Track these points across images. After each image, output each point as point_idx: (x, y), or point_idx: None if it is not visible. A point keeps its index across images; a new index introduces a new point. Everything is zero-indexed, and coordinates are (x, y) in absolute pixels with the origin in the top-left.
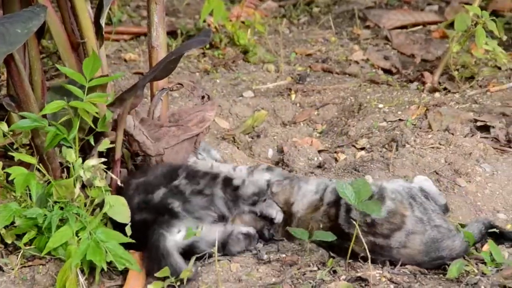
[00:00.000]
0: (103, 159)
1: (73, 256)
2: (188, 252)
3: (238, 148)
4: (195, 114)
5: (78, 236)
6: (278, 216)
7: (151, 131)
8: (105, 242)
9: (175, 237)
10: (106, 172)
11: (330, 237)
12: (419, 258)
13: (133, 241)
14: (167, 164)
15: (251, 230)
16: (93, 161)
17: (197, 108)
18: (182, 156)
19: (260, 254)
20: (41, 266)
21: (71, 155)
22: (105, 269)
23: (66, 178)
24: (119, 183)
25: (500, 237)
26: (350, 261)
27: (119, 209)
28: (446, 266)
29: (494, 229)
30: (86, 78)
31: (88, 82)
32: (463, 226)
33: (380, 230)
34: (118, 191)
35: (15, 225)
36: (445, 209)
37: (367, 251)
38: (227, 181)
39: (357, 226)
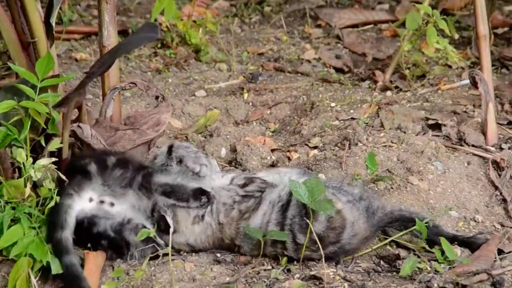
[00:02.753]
0: (53, 159)
1: (15, 248)
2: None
3: None
4: (150, 117)
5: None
6: (203, 170)
7: (106, 134)
8: None
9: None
10: (56, 172)
11: (284, 236)
12: (368, 234)
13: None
14: None
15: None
16: (44, 161)
17: (152, 111)
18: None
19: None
20: None
21: (22, 155)
22: (45, 264)
23: (17, 178)
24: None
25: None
26: (303, 260)
27: None
28: (397, 264)
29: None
30: (38, 78)
31: (40, 82)
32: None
33: (328, 240)
34: None
35: None
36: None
37: (323, 258)
38: None
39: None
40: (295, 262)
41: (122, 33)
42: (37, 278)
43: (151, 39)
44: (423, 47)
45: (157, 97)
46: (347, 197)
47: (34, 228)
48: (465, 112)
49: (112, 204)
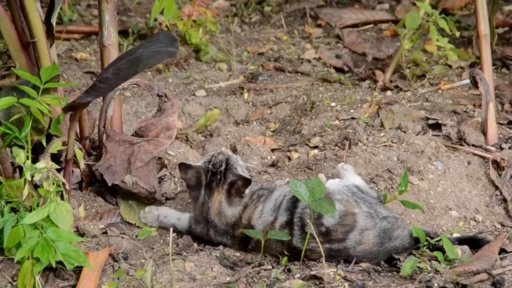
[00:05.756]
0: (51, 162)
1: (19, 251)
2: None
3: (191, 147)
4: (159, 123)
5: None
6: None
7: (120, 149)
8: (55, 241)
9: None
10: (59, 172)
11: (285, 236)
12: (374, 251)
13: (83, 239)
14: None
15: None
16: (41, 164)
17: (160, 117)
18: (152, 166)
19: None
20: None
21: (21, 157)
22: (54, 266)
23: (18, 177)
24: (67, 187)
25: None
26: (304, 259)
27: (62, 215)
28: (399, 262)
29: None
30: (41, 81)
31: (43, 85)
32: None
33: (335, 236)
34: None
35: None
36: (380, 201)
37: (324, 257)
38: None
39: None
40: (295, 262)
41: (122, 33)
42: (38, 276)
43: (172, 55)
44: (426, 45)
45: (160, 96)
46: (369, 209)
47: (37, 228)
48: (465, 111)
49: None
